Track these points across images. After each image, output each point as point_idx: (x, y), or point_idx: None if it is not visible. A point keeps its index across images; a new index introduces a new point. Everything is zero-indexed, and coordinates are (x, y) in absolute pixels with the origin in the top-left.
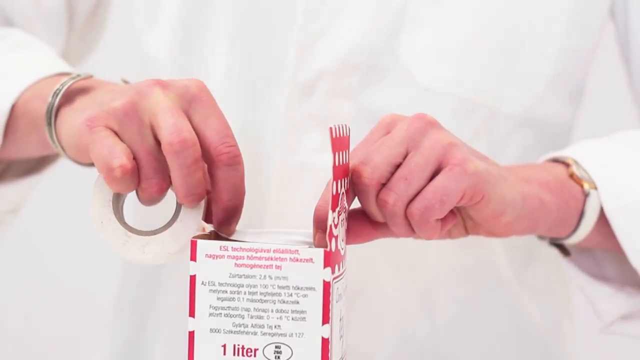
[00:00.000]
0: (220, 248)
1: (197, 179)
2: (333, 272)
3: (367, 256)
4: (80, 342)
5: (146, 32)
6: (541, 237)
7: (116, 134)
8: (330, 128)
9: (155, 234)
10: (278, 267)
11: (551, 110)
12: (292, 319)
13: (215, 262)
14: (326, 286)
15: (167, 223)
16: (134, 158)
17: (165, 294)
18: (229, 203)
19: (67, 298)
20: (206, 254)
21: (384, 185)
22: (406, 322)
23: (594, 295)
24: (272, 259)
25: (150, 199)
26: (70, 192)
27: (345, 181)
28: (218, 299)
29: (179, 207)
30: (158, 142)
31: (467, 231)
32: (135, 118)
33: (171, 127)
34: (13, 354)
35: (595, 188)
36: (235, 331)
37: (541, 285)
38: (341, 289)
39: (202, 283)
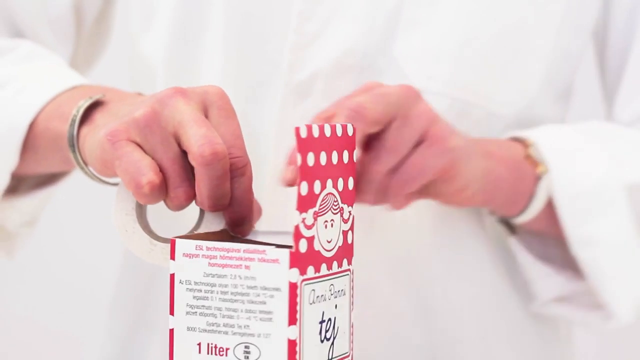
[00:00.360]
0: (196, 247)
1: (225, 190)
2: (304, 273)
3: (362, 260)
4: (79, 339)
5: (142, 34)
6: (492, 213)
7: (139, 145)
8: (297, 128)
9: None
10: (247, 267)
11: (543, 110)
12: (260, 319)
13: (191, 261)
14: (292, 287)
15: (191, 230)
16: (160, 168)
17: (162, 293)
18: (234, 214)
19: (66, 297)
20: (183, 253)
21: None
22: (401, 325)
23: (533, 275)
24: (241, 258)
25: (179, 207)
26: (69, 192)
27: (344, 181)
28: (194, 297)
29: (201, 214)
30: (182, 150)
31: (420, 195)
32: (157, 128)
33: (202, 137)
34: (13, 352)
35: (548, 172)
36: (208, 330)
37: None
38: (325, 290)
39: (180, 282)
